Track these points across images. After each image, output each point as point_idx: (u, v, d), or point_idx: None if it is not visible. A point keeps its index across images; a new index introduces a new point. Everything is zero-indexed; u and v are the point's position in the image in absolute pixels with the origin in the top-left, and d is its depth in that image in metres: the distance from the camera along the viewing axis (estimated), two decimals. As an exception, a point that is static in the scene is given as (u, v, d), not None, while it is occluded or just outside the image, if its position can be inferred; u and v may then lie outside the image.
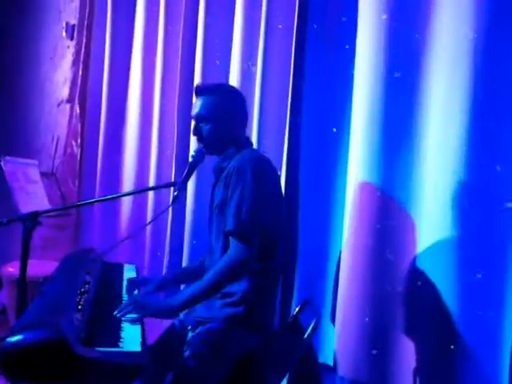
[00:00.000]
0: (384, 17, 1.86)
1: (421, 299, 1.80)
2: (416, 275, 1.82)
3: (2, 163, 2.45)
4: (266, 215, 1.64)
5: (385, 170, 1.89)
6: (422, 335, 1.80)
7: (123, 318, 1.48)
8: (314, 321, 1.66)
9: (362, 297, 1.90)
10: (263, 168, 1.67)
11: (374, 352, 1.87)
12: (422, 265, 1.81)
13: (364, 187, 1.92)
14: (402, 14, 1.85)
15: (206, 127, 1.74)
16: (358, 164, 1.94)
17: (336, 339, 1.98)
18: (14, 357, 1.17)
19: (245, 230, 1.59)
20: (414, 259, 1.84)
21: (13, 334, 1.19)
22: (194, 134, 1.78)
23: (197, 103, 1.77)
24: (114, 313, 1.49)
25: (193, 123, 1.80)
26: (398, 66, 1.86)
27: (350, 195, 1.97)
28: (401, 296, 1.85)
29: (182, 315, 1.75)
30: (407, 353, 1.83)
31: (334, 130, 2.13)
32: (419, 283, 1.81)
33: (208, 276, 1.58)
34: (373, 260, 1.89)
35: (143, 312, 1.50)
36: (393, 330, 1.86)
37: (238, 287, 1.65)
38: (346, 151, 2.04)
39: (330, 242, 2.14)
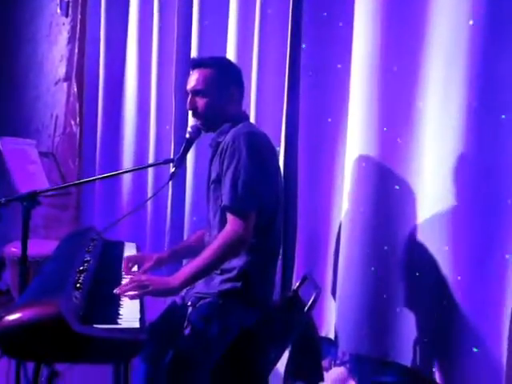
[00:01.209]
0: None
1: (421, 270, 1.80)
2: (416, 247, 1.82)
3: (-1, 143, 2.44)
4: (263, 189, 1.62)
5: (384, 140, 1.86)
6: (422, 307, 1.80)
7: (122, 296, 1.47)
8: (314, 295, 1.66)
9: (362, 270, 1.90)
10: (258, 142, 1.65)
11: (375, 325, 1.87)
12: (423, 236, 1.80)
13: (363, 159, 1.90)
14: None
15: (201, 101, 1.71)
16: (357, 136, 1.92)
17: (336, 313, 1.98)
18: (13, 335, 1.17)
19: (241, 204, 1.58)
20: (415, 230, 1.82)
21: (11, 312, 1.19)
22: (190, 109, 1.74)
23: (192, 77, 1.74)
24: (114, 291, 1.48)
25: (188, 97, 1.76)
26: (398, 36, 1.82)
27: (349, 167, 1.95)
28: (401, 268, 1.85)
29: (182, 292, 1.75)
30: (408, 325, 1.83)
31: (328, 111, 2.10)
32: (420, 255, 1.80)
33: (207, 252, 1.57)
34: (373, 233, 1.88)
35: (143, 290, 1.49)
36: (394, 302, 1.86)
37: (236, 263, 1.65)
38: (345, 122, 2.01)
39: (330, 216, 2.13)
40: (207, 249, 1.59)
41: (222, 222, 1.64)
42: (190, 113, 1.78)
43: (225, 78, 1.73)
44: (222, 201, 1.63)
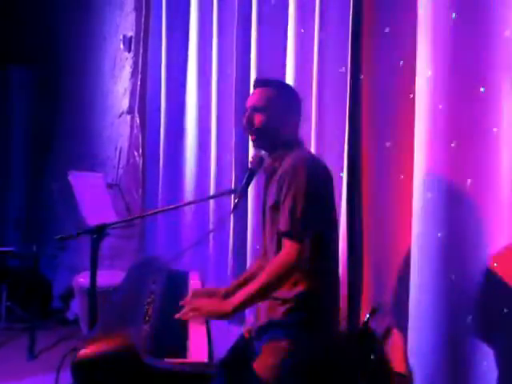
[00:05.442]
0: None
1: (502, 300, 1.71)
2: (495, 273, 1.73)
3: (69, 177, 2.59)
4: (320, 216, 1.63)
5: (454, 157, 1.80)
6: (505, 341, 1.71)
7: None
8: (387, 328, 1.62)
9: (436, 301, 1.83)
10: (317, 168, 1.67)
11: (453, 361, 1.79)
12: (503, 261, 1.71)
13: (432, 178, 1.84)
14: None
15: (259, 117, 1.75)
16: (424, 154, 1.86)
17: (410, 346, 1.92)
18: (87, 368, 1.23)
19: (299, 230, 1.59)
20: (492, 255, 1.74)
21: (85, 345, 1.25)
22: (246, 122, 1.78)
23: (254, 94, 1.79)
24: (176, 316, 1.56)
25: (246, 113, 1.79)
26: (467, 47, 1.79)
27: (416, 187, 1.90)
28: (479, 296, 1.77)
29: (248, 324, 1.76)
30: (488, 361, 1.74)
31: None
32: (499, 281, 1.71)
33: (261, 277, 1.59)
34: (448, 259, 1.80)
35: (196, 313, 1.57)
36: (473, 336, 1.77)
37: (297, 290, 1.64)
38: (411, 141, 1.97)
39: (398, 241, 2.07)
40: (261, 274, 1.61)
41: (279, 248, 1.65)
42: (245, 126, 1.80)
43: (285, 101, 1.77)
44: (278, 226, 1.64)
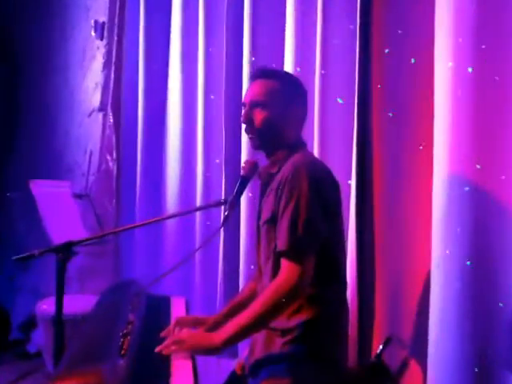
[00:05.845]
0: None
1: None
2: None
3: (30, 186, 2.56)
4: (325, 230, 1.63)
5: (478, 162, 1.79)
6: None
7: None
8: (402, 361, 1.61)
9: (461, 327, 1.81)
10: (320, 175, 1.67)
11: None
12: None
13: (454, 186, 1.82)
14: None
15: (260, 114, 1.74)
16: (444, 158, 1.86)
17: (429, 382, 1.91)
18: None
19: (300, 249, 1.58)
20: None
21: (50, 383, 1.23)
22: (244, 121, 1.78)
23: (253, 86, 1.79)
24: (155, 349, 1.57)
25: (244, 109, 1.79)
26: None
27: (437, 197, 1.89)
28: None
29: (242, 358, 1.75)
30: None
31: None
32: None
33: (256, 305, 1.58)
34: (474, 282, 1.80)
35: (179, 346, 1.56)
36: (506, 371, 1.76)
37: (298, 319, 1.64)
38: (430, 143, 1.97)
39: (415, 260, 2.07)
40: (256, 301, 1.61)
41: (276, 268, 1.65)
42: (244, 126, 1.81)
43: (290, 95, 1.77)
44: (276, 244, 1.63)
